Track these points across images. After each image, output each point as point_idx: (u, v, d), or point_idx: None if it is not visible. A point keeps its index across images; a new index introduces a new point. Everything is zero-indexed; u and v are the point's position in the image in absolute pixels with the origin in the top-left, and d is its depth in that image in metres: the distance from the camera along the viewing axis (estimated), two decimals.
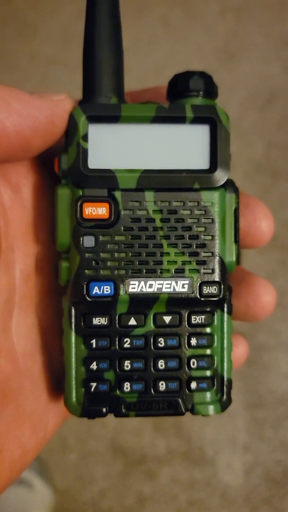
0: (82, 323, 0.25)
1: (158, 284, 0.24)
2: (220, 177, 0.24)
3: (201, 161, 0.25)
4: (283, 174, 0.86)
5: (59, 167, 0.25)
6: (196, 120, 0.25)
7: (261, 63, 0.91)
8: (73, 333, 0.25)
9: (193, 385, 0.25)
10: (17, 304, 0.25)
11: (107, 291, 0.24)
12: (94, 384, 0.25)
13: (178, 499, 0.76)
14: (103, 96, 0.24)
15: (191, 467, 0.76)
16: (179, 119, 0.24)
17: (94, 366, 0.25)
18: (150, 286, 0.24)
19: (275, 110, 0.89)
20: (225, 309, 0.26)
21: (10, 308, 0.25)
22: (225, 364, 0.26)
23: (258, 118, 0.88)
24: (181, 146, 0.25)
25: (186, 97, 0.25)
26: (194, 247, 0.25)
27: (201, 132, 0.25)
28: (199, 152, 0.25)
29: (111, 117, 0.24)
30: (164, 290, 0.24)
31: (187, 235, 0.24)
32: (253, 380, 0.79)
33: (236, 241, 0.25)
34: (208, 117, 0.24)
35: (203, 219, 0.24)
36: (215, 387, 0.26)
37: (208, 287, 0.25)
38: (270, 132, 0.88)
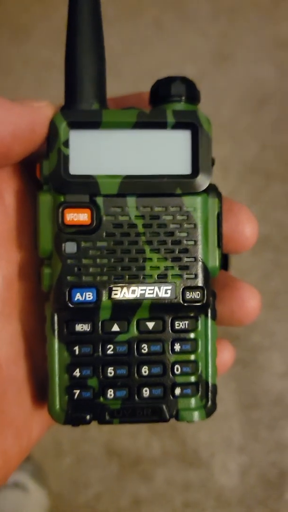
0: (65, 330, 0.24)
1: (141, 290, 0.24)
2: (202, 182, 0.24)
3: (182, 167, 0.25)
4: (276, 175, 0.86)
5: (41, 173, 0.24)
6: (178, 126, 0.25)
7: (254, 65, 0.91)
8: (56, 340, 0.24)
9: (177, 391, 0.25)
10: (0, 310, 0.25)
11: (89, 297, 0.24)
12: (77, 391, 0.24)
13: (174, 501, 0.76)
14: (84, 102, 0.24)
15: (186, 469, 0.76)
16: (160, 125, 0.24)
17: (77, 373, 0.24)
18: (133, 292, 0.24)
19: (268, 111, 0.89)
20: (209, 314, 0.26)
21: None
22: (210, 369, 0.26)
23: (251, 119, 0.89)
24: (163, 152, 0.25)
25: (168, 102, 0.25)
26: (177, 252, 0.24)
27: (183, 137, 0.25)
28: (180, 158, 0.25)
29: (92, 123, 0.24)
30: (147, 296, 0.24)
31: (170, 241, 0.24)
32: (248, 380, 0.79)
33: (219, 246, 0.25)
34: (190, 122, 0.24)
35: (185, 225, 0.24)
36: (199, 393, 0.26)
37: (191, 293, 0.25)
38: (263, 133, 0.88)
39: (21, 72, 0.91)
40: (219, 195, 0.25)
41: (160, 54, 0.92)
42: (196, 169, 0.25)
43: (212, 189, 0.25)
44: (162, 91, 0.25)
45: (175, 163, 0.25)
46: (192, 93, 0.25)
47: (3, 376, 0.25)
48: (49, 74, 0.88)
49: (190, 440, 0.77)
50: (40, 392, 0.26)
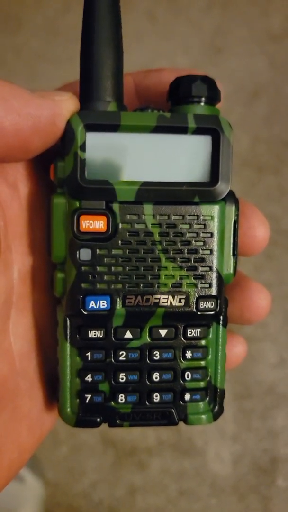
0: (78, 336, 0.24)
1: (155, 298, 0.24)
2: (221, 190, 0.24)
3: (202, 174, 0.24)
4: (269, 168, 0.87)
5: (55, 175, 0.24)
6: (199, 131, 0.24)
7: (247, 57, 0.91)
8: (68, 345, 0.24)
9: (187, 396, 0.25)
10: (15, 304, 0.25)
11: (103, 305, 0.24)
12: (89, 396, 0.24)
13: (169, 489, 0.77)
14: (101, 100, 0.23)
15: (181, 458, 0.77)
16: (181, 129, 0.24)
17: (89, 378, 0.24)
18: (147, 300, 0.24)
19: (261, 104, 0.89)
20: (221, 322, 0.25)
21: (8, 308, 0.25)
22: (219, 375, 0.26)
23: (244, 112, 0.89)
24: (182, 158, 0.24)
25: (188, 103, 0.24)
26: (192, 261, 0.24)
27: (203, 143, 0.24)
28: (200, 164, 0.24)
29: (110, 125, 0.23)
30: (161, 304, 0.24)
31: (186, 250, 0.24)
32: (241, 371, 0.80)
33: (234, 254, 0.25)
34: (211, 128, 0.24)
35: (202, 233, 0.24)
36: (208, 398, 0.26)
37: (205, 302, 0.24)
38: (256, 126, 0.88)
39: (13, 63, 0.91)
40: (236, 202, 0.25)
41: (153, 46, 0.92)
42: (215, 177, 0.24)
43: (230, 196, 0.25)
44: (182, 91, 0.24)
45: (195, 170, 0.24)
46: (213, 94, 0.25)
47: (16, 370, 0.25)
48: (41, 66, 0.87)
49: (184, 429, 0.78)
50: (51, 386, 0.26)
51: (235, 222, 0.25)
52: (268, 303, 0.28)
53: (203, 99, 0.24)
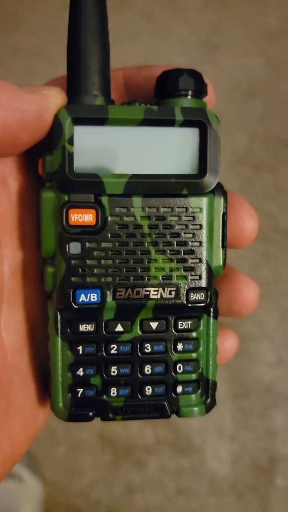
0: (68, 330, 0.24)
1: (146, 291, 0.24)
2: (209, 182, 0.24)
3: (190, 166, 0.24)
4: (266, 166, 0.87)
5: (43, 170, 0.24)
6: (186, 123, 0.24)
7: (243, 56, 0.92)
8: (59, 339, 0.24)
9: (179, 389, 0.25)
10: (6, 299, 0.25)
11: (93, 298, 0.24)
12: (80, 390, 0.24)
13: (167, 488, 0.77)
14: (88, 94, 0.23)
15: (179, 456, 0.77)
16: (168, 122, 0.24)
17: (80, 372, 0.24)
18: (137, 293, 0.24)
19: (257, 103, 0.89)
20: (211, 314, 0.25)
21: None
22: (210, 367, 0.26)
23: (240, 111, 0.89)
24: (170, 150, 0.24)
25: (175, 96, 0.24)
26: (182, 253, 0.24)
27: (191, 136, 0.24)
28: (188, 157, 0.24)
29: (98, 119, 0.23)
30: (151, 297, 0.24)
31: (175, 242, 0.24)
32: (239, 370, 0.80)
33: (224, 245, 0.25)
34: (198, 120, 0.24)
35: (191, 225, 0.24)
36: (200, 390, 0.26)
37: (195, 294, 0.24)
38: (253, 124, 0.89)
39: (10, 61, 0.91)
40: (224, 194, 0.25)
41: (149, 45, 0.92)
42: (203, 169, 0.24)
43: (218, 188, 0.25)
44: (169, 84, 0.24)
45: (183, 162, 0.24)
46: (200, 87, 0.25)
47: (9, 365, 0.25)
48: (38, 64, 0.87)
49: (182, 428, 0.78)
50: (43, 380, 0.26)
51: (224, 214, 0.25)
52: (256, 295, 0.28)
53: (190, 92, 0.24)
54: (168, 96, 0.25)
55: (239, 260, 0.84)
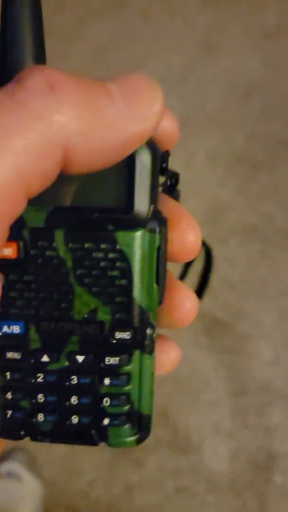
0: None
1: (69, 326, 0.23)
2: (137, 217, 0.22)
3: (116, 199, 0.22)
4: (263, 166, 0.87)
5: None
6: None
7: (240, 56, 0.92)
8: None
9: (106, 421, 0.24)
10: None
11: (16, 330, 0.23)
12: (9, 412, 0.24)
13: (165, 487, 0.77)
14: None
15: (178, 455, 0.78)
16: None
17: (9, 395, 0.24)
18: (61, 327, 0.23)
19: (255, 102, 0.90)
20: (145, 349, 0.24)
21: None
22: (144, 401, 0.25)
23: (237, 110, 0.89)
24: (96, 182, 0.22)
25: None
26: (108, 291, 0.23)
27: (117, 167, 0.22)
28: (115, 189, 0.22)
29: None
30: (75, 332, 0.23)
31: (100, 279, 0.23)
32: (237, 368, 0.80)
33: (158, 283, 0.24)
34: None
35: (117, 263, 0.23)
36: (130, 423, 0.25)
37: (121, 332, 0.23)
38: (250, 124, 0.89)
39: None
40: (162, 224, 0.23)
41: (147, 45, 0.92)
42: (131, 203, 0.22)
43: (152, 220, 0.23)
44: None
45: (109, 195, 0.22)
46: None
47: None
48: None
49: (181, 427, 0.78)
50: None
51: (159, 248, 0.23)
52: (194, 306, 0.26)
53: None
54: None
55: (237, 259, 0.84)
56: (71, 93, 0.18)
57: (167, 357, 0.27)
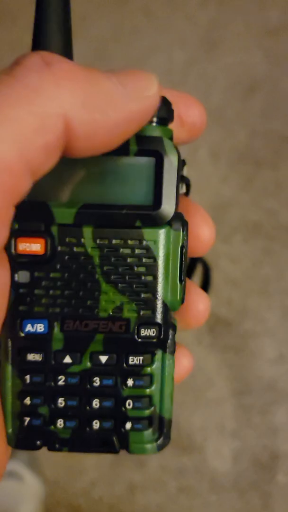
0: (18, 357, 0.24)
1: (94, 324, 0.23)
2: (164, 215, 0.23)
3: (144, 197, 0.23)
4: (266, 162, 0.86)
5: None
6: (141, 153, 0.23)
7: (243, 52, 0.91)
8: (10, 366, 0.24)
9: (128, 425, 0.24)
10: None
11: (40, 329, 0.23)
12: (27, 419, 0.24)
13: (168, 486, 0.77)
14: None
15: (180, 454, 0.77)
16: (123, 151, 0.22)
17: (28, 401, 0.24)
18: (86, 325, 0.23)
19: (258, 99, 0.89)
20: (167, 349, 0.24)
21: None
22: (165, 404, 0.25)
23: (240, 107, 0.89)
24: (124, 180, 0.23)
25: None
26: (134, 287, 0.23)
27: (146, 166, 0.23)
28: (143, 187, 0.23)
29: None
30: (100, 330, 0.23)
31: (127, 275, 0.23)
32: (240, 367, 0.80)
33: (181, 280, 0.24)
34: (153, 150, 0.23)
35: (144, 259, 0.23)
36: (152, 427, 0.25)
37: (146, 329, 0.24)
38: (253, 121, 0.88)
39: (8, 57, 0.90)
40: (184, 225, 0.24)
41: (150, 41, 0.91)
42: (158, 201, 0.23)
43: (176, 220, 0.24)
44: None
45: (137, 193, 0.23)
46: (164, 114, 0.23)
47: None
48: None
49: (183, 426, 0.78)
50: None
51: (183, 247, 0.24)
52: (207, 307, 0.26)
53: (154, 119, 0.23)
54: None
55: (241, 257, 0.84)
56: (67, 69, 0.18)
57: (179, 366, 0.27)
